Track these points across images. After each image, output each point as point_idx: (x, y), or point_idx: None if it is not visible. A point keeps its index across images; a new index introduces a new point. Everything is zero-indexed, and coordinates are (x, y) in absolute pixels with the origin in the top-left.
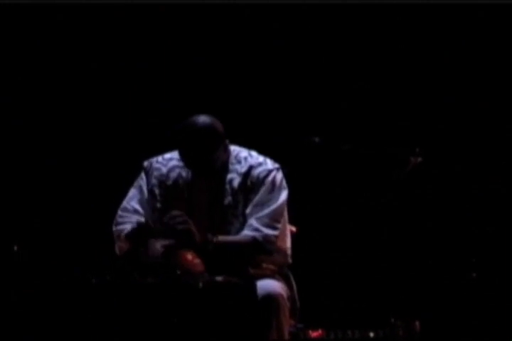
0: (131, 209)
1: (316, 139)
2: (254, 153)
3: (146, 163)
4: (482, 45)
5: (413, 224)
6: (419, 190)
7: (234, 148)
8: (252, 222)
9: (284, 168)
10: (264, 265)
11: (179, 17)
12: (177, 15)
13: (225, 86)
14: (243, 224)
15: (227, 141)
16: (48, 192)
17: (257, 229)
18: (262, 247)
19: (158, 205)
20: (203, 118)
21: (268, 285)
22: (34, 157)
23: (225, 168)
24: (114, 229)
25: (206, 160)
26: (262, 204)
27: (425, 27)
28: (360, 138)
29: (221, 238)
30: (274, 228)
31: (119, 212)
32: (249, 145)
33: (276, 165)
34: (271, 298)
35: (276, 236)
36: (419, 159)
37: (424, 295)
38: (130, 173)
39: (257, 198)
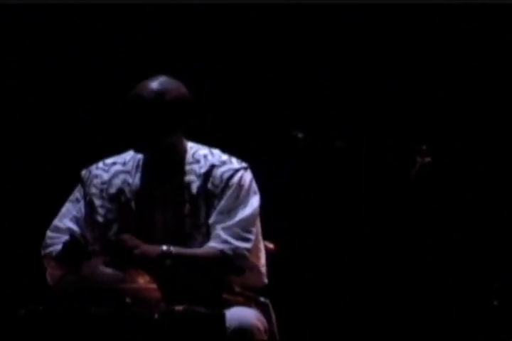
0: (64, 228)
1: (299, 134)
2: (216, 151)
3: (83, 172)
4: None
5: (419, 239)
6: (427, 197)
7: (191, 145)
8: (219, 232)
9: (257, 171)
10: (237, 289)
11: (178, 17)
12: (176, 15)
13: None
14: (207, 236)
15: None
16: None
17: (225, 241)
18: (232, 263)
19: (100, 219)
20: (155, 82)
21: (240, 314)
22: None
23: (181, 168)
24: (42, 253)
25: (148, 140)
26: (229, 211)
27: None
28: (354, 134)
29: (180, 250)
30: (246, 240)
31: (48, 233)
32: (210, 144)
33: (244, 165)
34: (244, 330)
35: (248, 250)
36: (428, 159)
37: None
38: (67, 186)
39: (222, 204)
